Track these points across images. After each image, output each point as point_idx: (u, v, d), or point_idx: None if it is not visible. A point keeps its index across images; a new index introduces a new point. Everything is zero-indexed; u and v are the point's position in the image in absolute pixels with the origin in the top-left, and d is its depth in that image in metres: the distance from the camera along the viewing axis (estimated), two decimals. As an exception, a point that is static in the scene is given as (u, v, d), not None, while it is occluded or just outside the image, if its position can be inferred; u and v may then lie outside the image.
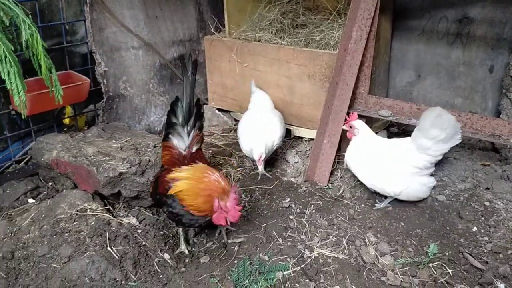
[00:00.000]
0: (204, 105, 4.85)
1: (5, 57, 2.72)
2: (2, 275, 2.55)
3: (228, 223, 2.58)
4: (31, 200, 3.33)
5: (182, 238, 2.92)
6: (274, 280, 2.59)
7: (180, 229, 2.93)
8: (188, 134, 2.89)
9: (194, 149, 2.92)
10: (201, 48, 4.67)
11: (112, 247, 2.68)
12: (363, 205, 3.32)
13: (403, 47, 4.54)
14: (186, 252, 2.88)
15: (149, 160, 3.08)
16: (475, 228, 3.06)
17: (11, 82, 2.76)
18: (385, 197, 3.29)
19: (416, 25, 4.40)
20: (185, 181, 2.61)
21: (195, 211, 2.60)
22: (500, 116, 3.87)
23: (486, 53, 4.14)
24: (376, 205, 3.31)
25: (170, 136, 2.92)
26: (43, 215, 2.95)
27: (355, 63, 3.50)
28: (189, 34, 4.53)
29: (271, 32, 4.35)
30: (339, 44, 3.67)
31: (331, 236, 2.98)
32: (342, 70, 3.54)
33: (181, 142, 2.89)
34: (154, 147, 3.28)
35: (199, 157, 2.91)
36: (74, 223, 2.85)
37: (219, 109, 4.80)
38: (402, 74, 4.66)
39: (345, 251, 2.86)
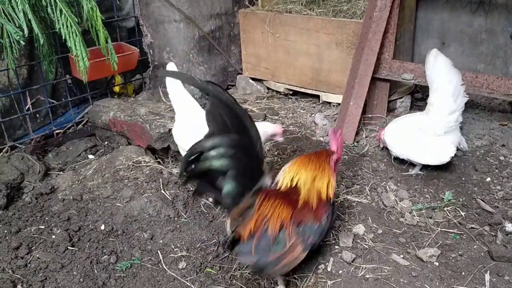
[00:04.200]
0: (239, 75, 5.23)
1: (71, 27, 3.15)
2: (74, 213, 3.04)
3: None
4: (91, 156, 3.81)
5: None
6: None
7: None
8: None
9: None
10: (236, 21, 5.01)
11: (166, 190, 3.14)
12: (385, 160, 3.65)
13: (428, 16, 4.76)
14: None
15: (194, 119, 3.49)
16: (488, 179, 3.35)
17: (76, 49, 3.20)
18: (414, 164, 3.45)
19: (441, -6, 4.62)
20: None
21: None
22: (519, 79, 4.09)
23: (508, 20, 4.32)
24: (410, 170, 3.47)
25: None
26: (104, 167, 3.42)
27: (380, 30, 3.78)
28: (225, 8, 4.87)
29: (301, 4, 4.66)
30: (365, 12, 3.96)
31: (355, 185, 3.34)
32: (367, 37, 3.83)
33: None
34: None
35: None
36: (132, 172, 3.31)
37: (252, 78, 5.16)
38: (427, 42, 4.88)
39: (368, 197, 3.21)
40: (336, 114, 4.36)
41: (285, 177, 2.45)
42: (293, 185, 2.42)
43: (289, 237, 2.21)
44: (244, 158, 2.08)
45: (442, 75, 3.17)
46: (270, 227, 2.19)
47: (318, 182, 2.41)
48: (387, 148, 3.62)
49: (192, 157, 2.03)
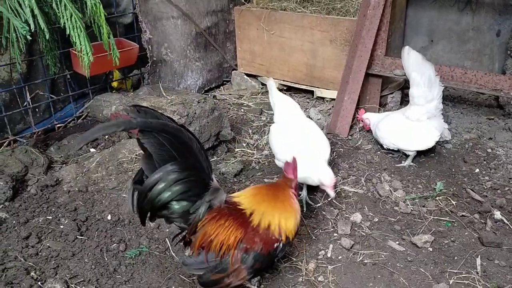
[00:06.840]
0: (234, 71, 5.33)
1: (76, 22, 3.22)
2: (81, 204, 3.11)
3: None
4: (92, 150, 3.87)
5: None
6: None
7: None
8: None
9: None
10: (231, 18, 5.11)
11: (169, 181, 3.22)
12: (379, 152, 3.80)
13: (418, 14, 4.92)
14: None
15: (195, 113, 3.57)
16: (477, 170, 3.52)
17: (81, 44, 3.26)
18: (407, 156, 3.63)
19: (430, -7, 4.79)
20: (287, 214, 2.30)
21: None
22: (505, 75, 4.27)
23: (494, 18, 4.51)
24: (402, 162, 3.64)
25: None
26: (107, 159, 3.50)
27: (373, 28, 3.92)
28: (221, 5, 4.96)
29: (296, 2, 4.78)
30: (359, 10, 4.10)
31: (351, 176, 3.48)
32: (361, 34, 3.97)
33: (223, 195, 2.30)
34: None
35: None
36: (135, 164, 3.39)
37: (247, 74, 5.26)
38: (416, 39, 5.04)
39: (363, 187, 3.36)
40: (330, 109, 4.50)
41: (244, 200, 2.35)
42: (249, 213, 2.28)
43: (233, 262, 2.17)
44: (187, 180, 2.10)
45: (416, 69, 3.40)
46: (212, 248, 2.17)
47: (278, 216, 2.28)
48: (370, 131, 3.90)
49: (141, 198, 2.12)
